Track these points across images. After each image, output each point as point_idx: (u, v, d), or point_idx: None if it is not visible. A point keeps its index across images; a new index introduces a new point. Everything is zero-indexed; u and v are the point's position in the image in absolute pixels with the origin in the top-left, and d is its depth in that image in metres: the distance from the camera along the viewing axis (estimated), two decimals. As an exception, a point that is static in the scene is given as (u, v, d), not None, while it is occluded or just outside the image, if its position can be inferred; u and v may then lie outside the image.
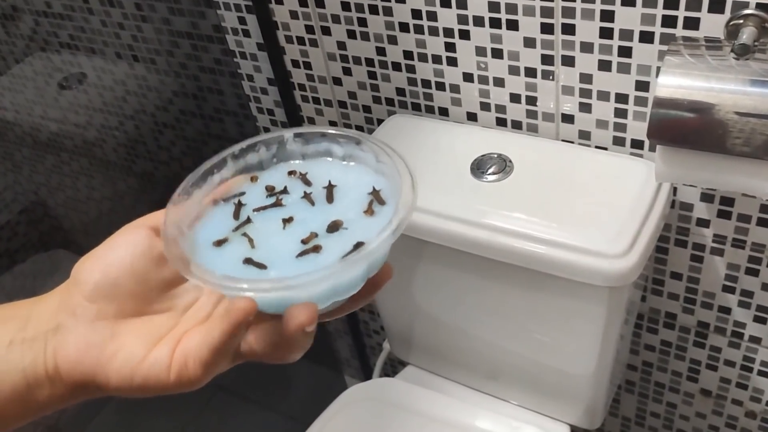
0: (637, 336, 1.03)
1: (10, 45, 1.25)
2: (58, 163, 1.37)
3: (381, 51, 0.91)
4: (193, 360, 0.37)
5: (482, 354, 0.95)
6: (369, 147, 0.41)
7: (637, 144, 0.82)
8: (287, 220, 0.39)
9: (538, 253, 0.74)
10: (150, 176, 1.27)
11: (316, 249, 0.37)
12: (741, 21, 0.65)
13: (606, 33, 0.74)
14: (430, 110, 0.94)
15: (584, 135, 0.84)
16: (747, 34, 0.63)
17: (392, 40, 0.89)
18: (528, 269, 0.76)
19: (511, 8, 0.78)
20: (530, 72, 0.82)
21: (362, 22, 0.89)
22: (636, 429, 1.19)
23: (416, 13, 0.84)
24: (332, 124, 1.05)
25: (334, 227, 0.38)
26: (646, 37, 0.72)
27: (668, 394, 1.08)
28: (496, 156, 0.84)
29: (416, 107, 0.95)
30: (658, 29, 0.71)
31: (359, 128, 1.03)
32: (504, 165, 0.82)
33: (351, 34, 0.92)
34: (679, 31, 0.70)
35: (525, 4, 0.76)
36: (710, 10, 0.67)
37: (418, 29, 0.86)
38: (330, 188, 0.40)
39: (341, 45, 0.94)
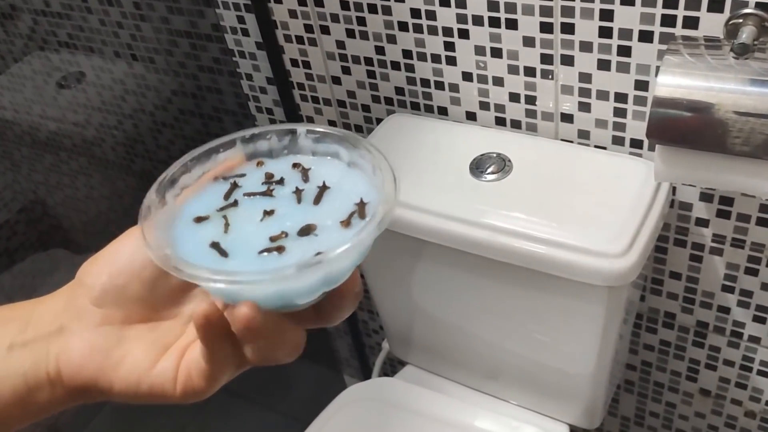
0: (636, 336, 1.03)
1: (9, 44, 1.25)
2: (56, 162, 1.37)
3: (380, 50, 0.91)
4: (196, 372, 0.36)
5: (481, 354, 0.95)
6: (370, 157, 0.40)
7: (636, 143, 0.81)
8: (268, 212, 0.39)
9: (536, 253, 0.74)
10: (149, 175, 1.27)
11: (280, 249, 0.36)
12: (740, 20, 0.65)
13: (605, 32, 0.74)
14: (429, 109, 0.94)
15: (583, 134, 0.84)
16: (746, 34, 0.63)
17: (391, 39, 0.89)
18: (527, 269, 0.76)
19: (510, 7, 0.77)
20: (529, 71, 0.82)
21: (361, 22, 0.89)
22: (635, 429, 1.19)
23: (415, 12, 0.84)
24: (331, 123, 1.05)
25: (306, 231, 0.37)
26: (646, 37, 0.72)
27: (667, 394, 1.08)
28: (495, 155, 0.84)
29: (415, 106, 0.95)
30: (657, 28, 0.71)
31: (358, 128, 1.03)
32: (503, 164, 0.82)
33: (350, 33, 0.92)
34: (679, 31, 0.70)
35: (524, 3, 0.76)
36: (709, 10, 0.67)
37: (417, 28, 0.86)
38: (322, 189, 0.39)
39: (340, 44, 0.94)
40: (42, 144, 1.35)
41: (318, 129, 0.42)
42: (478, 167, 0.82)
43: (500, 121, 0.89)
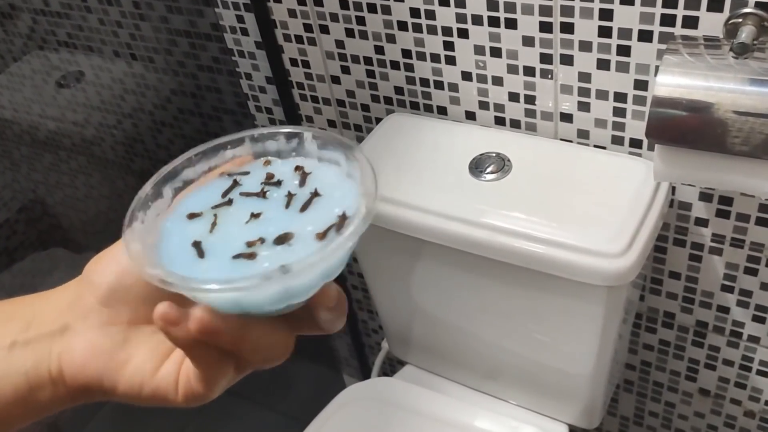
0: (635, 335, 1.03)
1: (8, 43, 1.25)
2: (56, 162, 1.37)
3: (379, 50, 0.91)
4: (194, 377, 0.36)
5: (480, 353, 0.95)
6: (361, 171, 0.39)
7: (635, 143, 0.81)
8: (255, 215, 0.38)
9: (536, 253, 0.74)
10: (148, 175, 1.27)
11: (251, 256, 0.36)
12: (740, 20, 0.65)
13: (605, 32, 0.74)
14: (428, 109, 0.94)
15: (583, 134, 0.84)
16: (746, 33, 0.63)
17: (391, 38, 0.89)
18: (526, 268, 0.76)
19: (510, 7, 0.77)
20: (529, 71, 0.82)
21: (361, 21, 0.89)
22: (634, 428, 1.19)
23: (415, 12, 0.84)
24: (331, 122, 1.05)
25: (282, 239, 0.36)
26: (645, 36, 0.72)
27: (667, 394, 1.08)
28: (494, 155, 0.84)
29: (415, 106, 0.95)
30: (656, 28, 0.71)
31: (357, 127, 1.03)
32: (502, 164, 0.82)
33: (349, 33, 0.92)
34: (678, 30, 0.70)
35: (523, 2, 0.76)
36: (709, 9, 0.67)
37: (417, 28, 0.86)
38: (311, 197, 0.39)
39: (339, 44, 0.94)
40: (41, 143, 1.34)
41: (321, 134, 0.41)
42: (477, 167, 0.82)
43: (500, 121, 0.89)
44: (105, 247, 0.41)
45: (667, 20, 0.70)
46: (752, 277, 0.85)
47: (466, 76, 0.87)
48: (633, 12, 0.71)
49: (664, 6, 0.69)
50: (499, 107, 0.88)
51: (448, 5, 0.81)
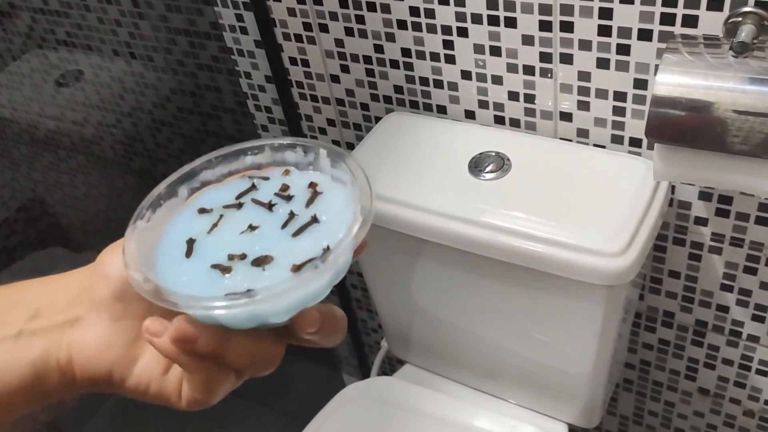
0: (635, 334, 1.03)
1: (7, 42, 1.25)
2: (55, 161, 1.37)
3: (379, 48, 0.91)
4: (195, 385, 0.37)
5: (480, 353, 0.95)
6: (360, 199, 0.39)
7: (635, 142, 0.81)
8: (253, 227, 0.39)
9: (535, 252, 0.74)
10: (148, 174, 1.27)
11: (226, 270, 0.37)
12: (740, 19, 0.65)
13: (604, 30, 0.74)
14: (428, 108, 0.94)
15: (582, 133, 0.84)
16: (746, 32, 0.63)
17: (390, 37, 0.89)
18: (525, 268, 0.76)
19: (510, 6, 0.77)
20: (528, 70, 0.82)
21: (360, 20, 0.89)
22: (634, 428, 1.19)
23: (414, 11, 0.84)
24: (330, 121, 1.05)
25: (259, 262, 0.37)
26: (645, 35, 0.72)
27: (666, 393, 1.08)
28: (494, 154, 0.83)
29: (414, 105, 0.95)
30: (656, 27, 0.71)
31: (357, 126, 1.03)
32: (502, 163, 0.82)
33: (349, 32, 0.91)
34: (678, 29, 0.70)
35: (523, 1, 0.76)
36: (709, 8, 0.67)
37: (416, 27, 0.86)
38: (308, 223, 0.39)
39: (339, 42, 0.94)
40: (41, 142, 1.34)
41: (333, 152, 0.42)
42: (477, 166, 0.82)
43: (499, 120, 0.89)
44: (104, 247, 0.40)
45: (667, 19, 0.70)
46: (752, 276, 0.85)
47: (466, 75, 0.87)
48: (633, 11, 0.71)
49: (663, 5, 0.69)
50: (499, 106, 0.87)
51: (448, 4, 0.81)
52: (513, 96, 0.85)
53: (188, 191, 0.42)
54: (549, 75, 0.81)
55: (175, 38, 1.06)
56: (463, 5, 0.80)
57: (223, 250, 0.38)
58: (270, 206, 0.40)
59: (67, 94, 1.25)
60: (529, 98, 0.84)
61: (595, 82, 0.79)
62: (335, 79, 0.99)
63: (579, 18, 0.74)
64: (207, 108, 1.14)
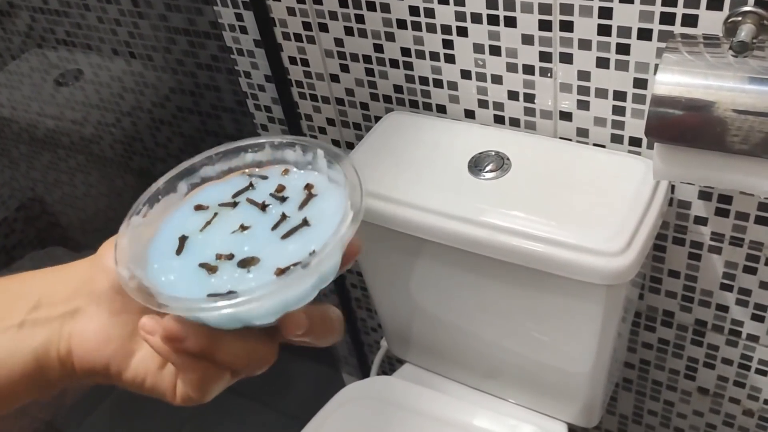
0: (634, 334, 1.03)
1: (7, 41, 1.25)
2: (55, 160, 1.37)
3: (378, 48, 0.91)
4: (188, 383, 0.37)
5: (479, 352, 0.95)
6: (349, 203, 0.39)
7: (635, 141, 0.81)
8: (244, 227, 0.39)
9: (535, 251, 0.74)
10: (147, 173, 1.27)
11: (212, 270, 0.37)
12: (739, 18, 0.65)
13: (604, 30, 0.74)
14: (427, 107, 0.94)
15: (582, 132, 0.84)
16: (745, 32, 0.63)
17: (390, 37, 0.89)
18: (525, 267, 0.76)
19: (509, 5, 0.77)
20: (528, 69, 0.82)
21: (360, 19, 0.89)
22: (633, 427, 1.19)
23: (414, 10, 0.84)
24: (330, 121, 1.05)
25: (245, 263, 0.37)
26: (645, 34, 0.72)
27: (666, 392, 1.08)
28: (493, 153, 0.83)
29: (414, 104, 0.95)
30: (656, 26, 0.71)
31: (356, 125, 1.03)
32: (501, 162, 0.82)
33: (348, 31, 0.91)
34: (678, 28, 0.70)
35: (523, 0, 0.76)
36: (709, 7, 0.67)
37: (416, 26, 0.86)
38: (298, 226, 0.39)
39: (339, 42, 0.93)
40: (40, 141, 1.34)
41: (330, 153, 0.41)
42: (476, 165, 0.82)
43: (499, 119, 0.89)
44: None
45: (667, 18, 0.70)
46: (751, 275, 0.85)
47: (466, 74, 0.87)
48: (632, 10, 0.71)
49: (663, 4, 0.69)
50: (499, 106, 0.87)
51: (447, 3, 0.81)
52: (513, 95, 0.85)
53: (188, 187, 0.42)
54: (549, 74, 0.81)
55: (174, 37, 1.06)
56: (463, 5, 0.80)
57: (212, 249, 0.38)
58: (263, 207, 0.40)
59: (66, 93, 1.25)
60: (529, 98, 0.84)
61: (595, 82, 0.79)
62: (335, 78, 0.99)
63: (579, 17, 0.74)
64: (206, 107, 1.14)
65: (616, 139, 0.82)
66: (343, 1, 0.88)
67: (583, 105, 0.81)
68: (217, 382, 0.37)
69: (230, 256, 0.38)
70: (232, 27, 1.01)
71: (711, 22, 0.68)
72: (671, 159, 0.68)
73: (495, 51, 0.82)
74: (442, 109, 0.93)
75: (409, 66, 0.90)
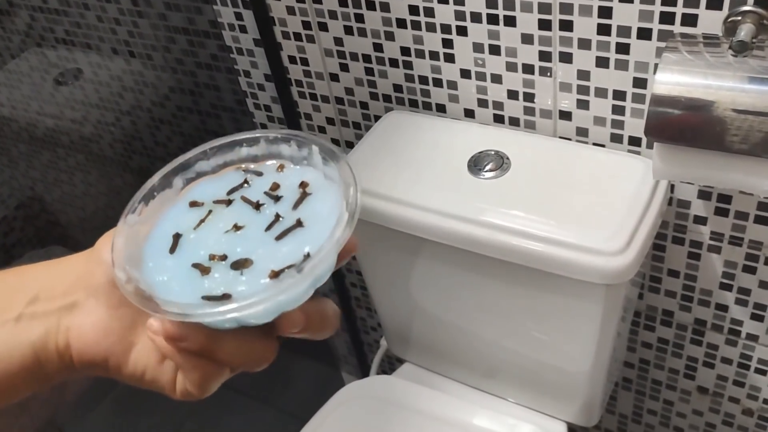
0: (634, 333, 1.03)
1: (6, 40, 1.25)
2: (54, 159, 1.37)
3: (378, 47, 0.91)
4: (188, 380, 0.37)
5: (479, 351, 0.95)
6: (345, 204, 0.38)
7: (634, 141, 0.81)
8: (238, 227, 0.39)
9: (534, 251, 0.74)
10: (146, 172, 1.27)
11: (205, 271, 0.37)
12: (739, 18, 0.65)
13: (604, 29, 0.74)
14: (427, 107, 0.94)
15: (582, 132, 0.84)
16: (745, 31, 0.63)
17: (389, 36, 0.89)
18: (525, 266, 0.76)
19: (509, 4, 0.77)
20: (528, 69, 0.82)
21: (359, 18, 0.89)
22: (633, 426, 1.19)
23: (413, 9, 0.84)
24: (329, 120, 1.05)
25: (238, 265, 0.37)
26: (644, 34, 0.72)
27: (665, 392, 1.08)
28: (493, 153, 0.83)
29: (413, 104, 0.95)
30: (656, 26, 0.71)
31: (356, 125, 1.03)
32: (501, 162, 0.82)
33: (348, 30, 0.91)
34: (677, 28, 0.70)
35: (523, 0, 0.76)
36: (708, 7, 0.67)
37: (416, 25, 0.86)
38: (292, 227, 0.39)
39: (338, 41, 0.93)
40: (39, 141, 1.34)
41: (325, 149, 0.41)
42: (476, 165, 0.82)
43: (498, 119, 0.89)
44: None
45: (667, 18, 0.70)
46: (751, 275, 0.85)
47: (465, 73, 0.87)
48: (632, 9, 0.71)
49: (663, 4, 0.69)
50: (498, 105, 0.87)
51: (447, 3, 0.81)
52: (512, 95, 0.85)
53: (183, 182, 0.42)
54: (548, 74, 0.81)
55: (174, 37, 1.06)
56: (462, 4, 0.80)
57: (206, 249, 0.38)
58: (258, 206, 0.40)
59: (66, 92, 1.25)
60: (529, 97, 0.84)
61: (595, 81, 0.79)
62: (334, 77, 0.99)
63: (578, 17, 0.74)
64: (206, 106, 1.14)
65: (616, 139, 0.82)
66: (343, 1, 0.88)
67: (583, 104, 0.81)
68: (217, 379, 0.38)
69: (223, 257, 0.37)
70: (232, 26, 1.01)
71: (711, 21, 0.68)
72: (671, 158, 0.68)
73: (494, 50, 0.82)
74: (441, 109, 0.93)
75: (408, 65, 0.90)
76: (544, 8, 0.76)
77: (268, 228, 0.39)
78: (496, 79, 0.85)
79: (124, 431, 1.39)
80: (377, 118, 0.99)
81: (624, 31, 0.73)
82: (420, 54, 0.88)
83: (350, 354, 1.49)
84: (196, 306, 0.35)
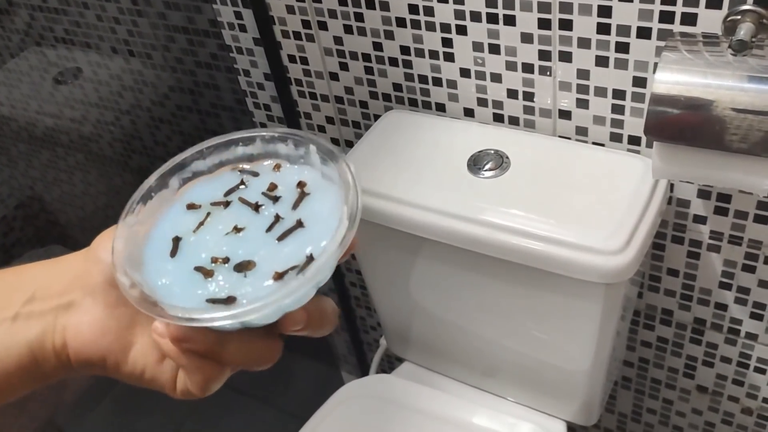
0: (633, 332, 1.03)
1: (6, 39, 1.24)
2: (53, 158, 1.37)
3: (378, 46, 0.91)
4: (190, 381, 0.37)
5: (479, 350, 0.95)
6: (346, 205, 0.38)
7: (634, 140, 0.81)
8: (238, 229, 0.39)
9: (534, 250, 0.74)
10: (146, 172, 1.26)
11: (208, 274, 0.37)
12: (738, 17, 0.65)
13: (603, 29, 0.74)
14: (426, 106, 0.94)
15: (581, 131, 0.84)
16: (744, 30, 0.63)
17: (389, 35, 0.89)
18: (524, 266, 0.76)
19: (509, 3, 0.77)
20: (527, 68, 0.82)
21: (359, 17, 0.89)
22: (632, 425, 1.19)
23: (413, 8, 0.84)
24: (329, 119, 1.05)
25: (241, 267, 0.37)
26: (644, 33, 0.72)
27: (664, 391, 1.08)
28: (492, 152, 0.83)
29: (413, 103, 0.95)
30: (655, 25, 0.71)
31: (356, 124, 1.03)
32: (501, 161, 0.82)
33: (348, 29, 0.91)
34: (677, 27, 0.70)
35: (522, -1, 0.76)
36: (708, 6, 0.67)
37: (415, 24, 0.86)
38: (293, 227, 0.39)
39: (338, 40, 0.93)
40: (39, 140, 1.34)
41: (323, 148, 0.41)
42: (475, 164, 0.82)
43: (498, 118, 0.89)
44: None
45: (666, 17, 0.70)
46: (750, 274, 0.85)
47: (465, 72, 0.87)
48: (632, 9, 0.71)
49: (662, 3, 0.69)
50: (498, 104, 0.87)
51: (447, 2, 0.81)
52: (512, 94, 0.85)
53: (180, 182, 0.42)
54: (548, 73, 0.81)
55: (173, 36, 1.06)
56: (462, 3, 0.80)
57: (207, 252, 0.38)
58: (256, 207, 0.40)
59: (65, 91, 1.25)
60: (528, 96, 0.84)
61: (594, 80, 0.79)
62: (334, 76, 0.99)
63: (578, 16, 0.74)
64: (206, 106, 1.14)
65: (615, 138, 0.82)
66: (343, 0, 0.88)
67: (583, 103, 0.81)
68: (220, 380, 0.38)
69: (226, 260, 0.37)
70: (231, 25, 1.01)
71: (710, 20, 0.68)
72: (670, 158, 0.68)
73: (494, 49, 0.82)
74: (441, 108, 0.93)
75: (408, 64, 0.90)
76: (544, 7, 0.76)
77: (269, 229, 0.39)
78: (496, 78, 0.85)
79: (123, 431, 1.39)
80: (377, 117, 0.99)
81: (623, 30, 0.73)
82: (419, 53, 0.88)
83: (350, 353, 1.49)
84: (202, 310, 0.35)
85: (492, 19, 0.80)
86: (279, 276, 0.36)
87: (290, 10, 0.94)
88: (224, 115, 1.15)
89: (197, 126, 1.18)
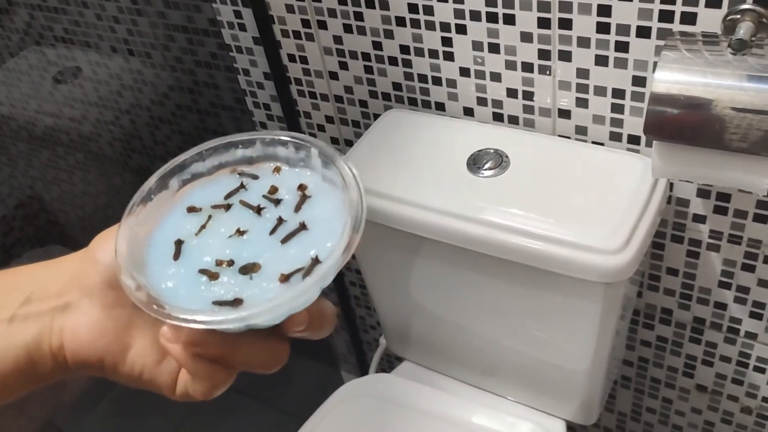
0: (633, 332, 1.03)
1: (5, 39, 1.24)
2: (53, 158, 1.37)
3: (377, 45, 0.91)
4: (192, 385, 0.37)
5: (478, 350, 0.95)
6: (350, 208, 0.38)
7: (633, 139, 0.81)
8: (240, 232, 0.39)
9: (533, 249, 0.74)
10: (146, 171, 1.26)
11: (213, 277, 0.37)
12: (738, 16, 0.65)
13: (603, 28, 0.74)
14: (426, 105, 0.94)
15: (581, 130, 0.84)
16: (744, 30, 0.63)
17: (389, 34, 0.89)
18: (524, 265, 0.76)
19: (508, 3, 0.77)
20: (527, 67, 0.82)
21: (358, 16, 0.89)
22: (631, 424, 1.19)
23: (413, 7, 0.84)
24: (329, 118, 1.05)
25: (246, 270, 0.37)
26: (643, 32, 0.72)
27: (664, 390, 1.08)
28: (492, 151, 0.83)
29: (413, 102, 0.95)
30: (655, 24, 0.71)
31: (355, 123, 1.03)
32: (500, 160, 0.82)
33: (347, 29, 0.91)
34: (676, 26, 0.70)
35: (522, -2, 0.76)
36: (707, 5, 0.67)
37: (415, 23, 0.86)
38: (297, 230, 0.39)
39: (337, 39, 0.93)
40: (38, 139, 1.34)
41: (325, 151, 0.41)
42: (475, 163, 0.82)
43: (498, 117, 0.89)
44: None
45: (666, 16, 0.70)
46: (749, 273, 0.85)
47: (464, 72, 0.87)
48: (631, 8, 0.71)
49: (662, 2, 0.69)
50: (497, 103, 0.87)
51: (446, 1, 0.81)
52: (511, 93, 0.85)
53: (179, 183, 0.42)
54: (548, 72, 0.81)
55: (173, 35, 1.06)
56: (462, 2, 0.80)
57: (210, 255, 0.38)
58: (258, 210, 0.40)
59: (65, 90, 1.25)
60: (528, 95, 0.84)
61: (594, 80, 0.79)
62: (334, 76, 0.99)
63: (578, 15, 0.74)
64: (205, 105, 1.14)
65: (615, 137, 0.82)
66: (342, -1, 0.88)
67: (582, 103, 0.81)
68: (226, 385, 0.38)
69: (230, 263, 0.37)
70: (231, 24, 1.01)
71: (710, 19, 0.68)
72: (670, 157, 0.68)
73: (494, 49, 0.82)
74: (440, 107, 0.93)
75: (408, 63, 0.90)
76: (544, 6, 0.76)
77: (272, 232, 0.39)
78: (496, 77, 0.85)
79: None
80: (376, 116, 0.99)
81: (623, 29, 0.73)
82: (419, 52, 0.88)
83: (349, 353, 1.49)
84: (212, 312, 0.35)
85: (491, 18, 0.80)
86: (285, 278, 0.36)
87: (290, 9, 0.94)
88: (224, 114, 1.15)
89: (197, 125, 1.18)
